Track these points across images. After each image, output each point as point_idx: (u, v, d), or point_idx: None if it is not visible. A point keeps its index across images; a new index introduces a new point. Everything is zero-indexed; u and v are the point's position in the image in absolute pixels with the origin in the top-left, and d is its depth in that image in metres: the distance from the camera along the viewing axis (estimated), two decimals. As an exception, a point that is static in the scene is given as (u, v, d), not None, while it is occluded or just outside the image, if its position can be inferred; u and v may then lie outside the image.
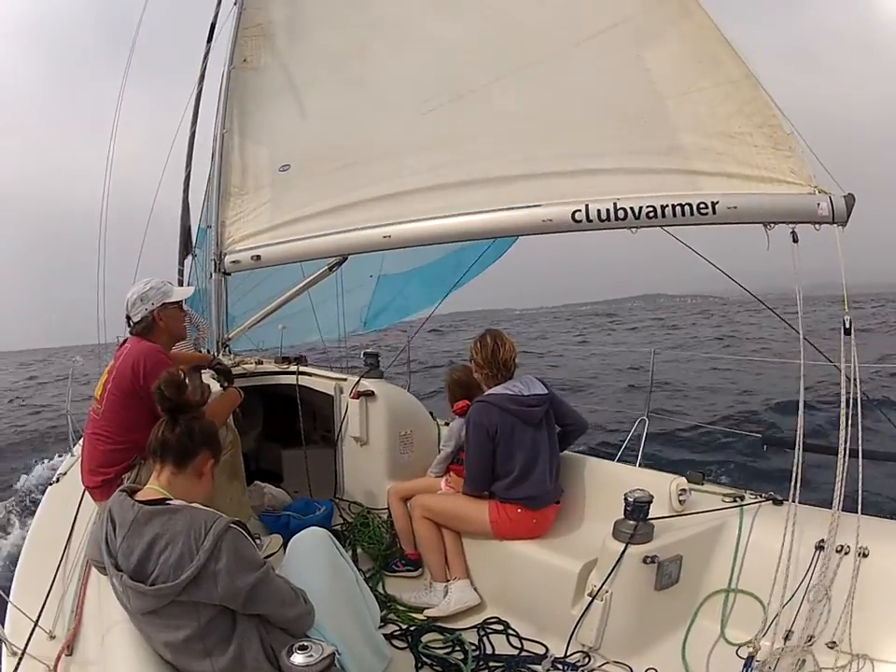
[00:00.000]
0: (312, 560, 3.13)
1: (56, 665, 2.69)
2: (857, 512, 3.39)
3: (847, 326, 3.43)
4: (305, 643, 2.26)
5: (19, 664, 2.68)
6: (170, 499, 2.57)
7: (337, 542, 3.35)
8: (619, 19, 4.41)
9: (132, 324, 4.17)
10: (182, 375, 2.82)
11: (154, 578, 2.34)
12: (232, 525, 2.45)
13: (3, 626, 2.93)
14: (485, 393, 4.41)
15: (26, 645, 2.75)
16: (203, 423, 2.82)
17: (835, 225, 3.62)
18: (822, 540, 3.36)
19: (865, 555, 3.29)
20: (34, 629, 2.86)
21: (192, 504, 2.58)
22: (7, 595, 3.24)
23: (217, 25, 8.04)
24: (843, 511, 3.38)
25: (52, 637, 2.91)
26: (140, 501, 2.52)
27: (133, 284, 4.28)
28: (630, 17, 4.39)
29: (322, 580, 3.02)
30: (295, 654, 2.22)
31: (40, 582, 3.26)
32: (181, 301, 4.37)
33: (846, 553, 3.32)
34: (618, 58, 4.43)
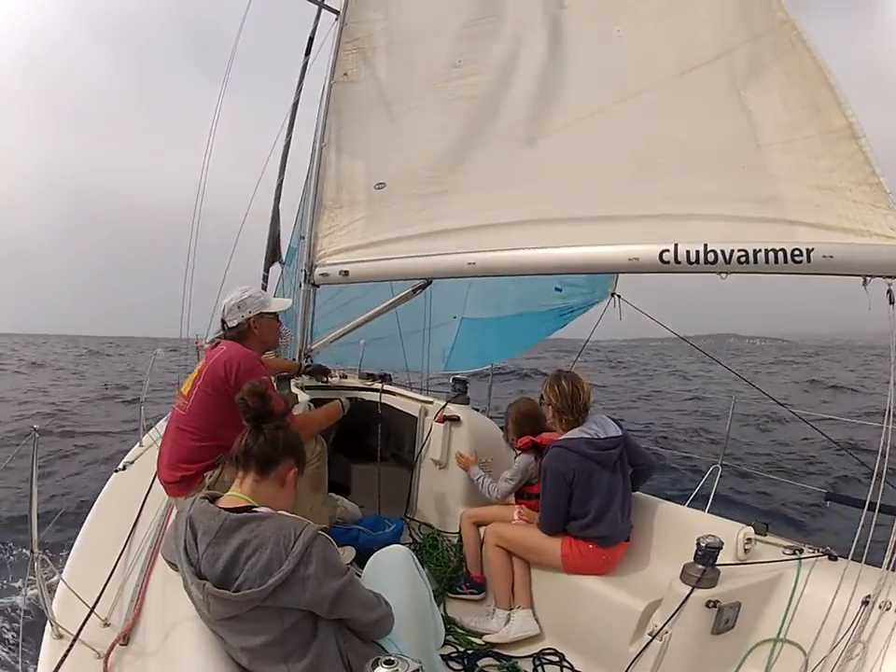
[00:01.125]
0: (393, 575, 3.19)
1: (108, 654, 2.72)
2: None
3: None
4: (391, 657, 2.22)
5: (70, 648, 2.69)
6: (255, 507, 2.61)
7: (417, 561, 3.39)
8: (716, 52, 4.28)
9: (226, 328, 4.29)
10: (265, 386, 2.86)
11: (240, 583, 2.37)
12: (321, 532, 2.49)
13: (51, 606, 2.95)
14: (562, 437, 4.41)
15: (79, 631, 2.78)
16: (288, 432, 2.86)
17: None
18: (868, 596, 3.34)
19: None
20: (89, 614, 2.89)
21: (279, 511, 2.62)
22: (61, 574, 3.28)
23: (314, 39, 8.22)
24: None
25: (107, 625, 2.95)
26: (226, 509, 2.55)
27: (222, 291, 4.38)
28: (728, 50, 4.24)
29: (401, 595, 3.05)
30: (380, 667, 2.20)
31: (98, 568, 3.29)
32: (277, 312, 4.48)
33: (888, 609, 3.29)
34: (718, 97, 4.28)
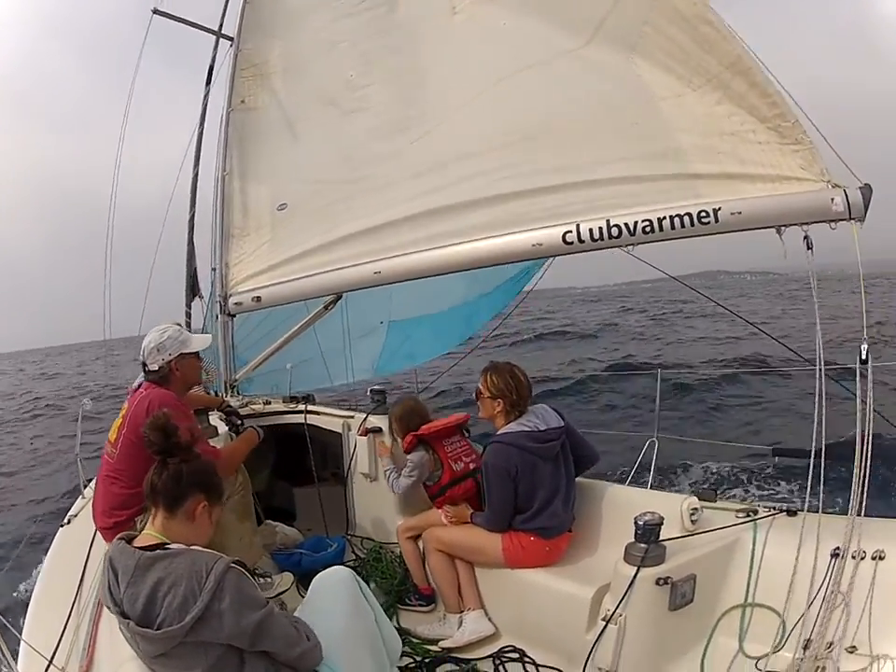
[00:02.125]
0: (333, 599, 3.15)
1: None
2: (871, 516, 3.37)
3: (864, 357, 3.34)
4: None
5: None
6: (168, 544, 2.58)
7: (361, 581, 3.34)
8: (598, 20, 4.28)
9: (147, 371, 4.20)
10: (165, 419, 2.78)
11: (160, 621, 2.36)
12: (233, 565, 2.48)
13: (16, 663, 2.93)
14: (500, 432, 4.30)
15: None
16: (194, 465, 2.78)
17: (852, 221, 3.44)
18: (838, 548, 3.31)
19: (882, 558, 3.24)
20: (48, 667, 2.90)
21: (192, 547, 2.59)
22: (20, 634, 3.28)
23: (213, 68, 8.14)
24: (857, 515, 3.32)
25: None
26: (140, 547, 2.54)
27: (146, 332, 4.31)
28: (605, 18, 4.26)
29: (341, 619, 3.04)
30: None
31: (53, 621, 3.29)
32: (198, 350, 4.41)
33: (861, 559, 3.27)
34: (607, 65, 4.27)
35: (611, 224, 3.99)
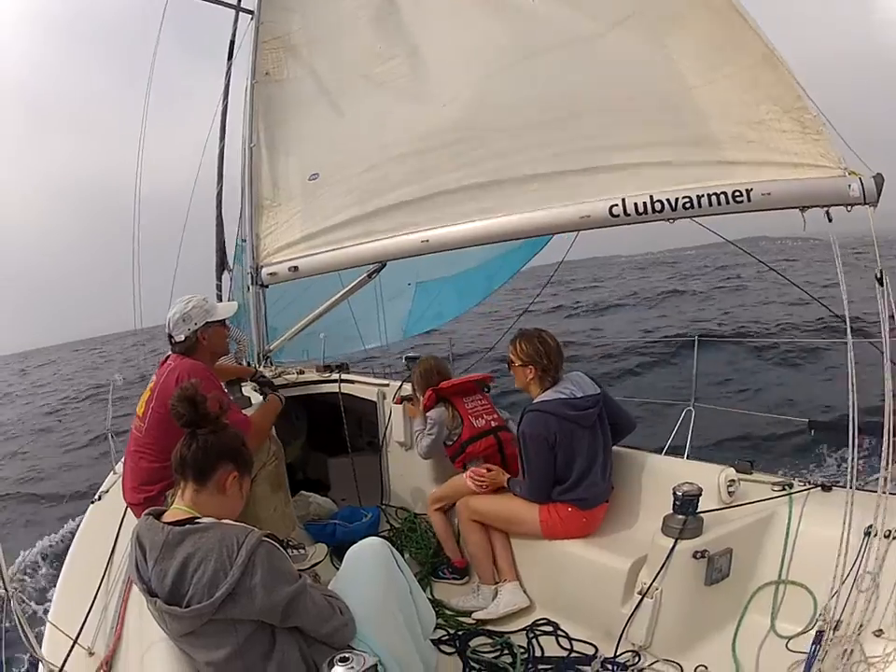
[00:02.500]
0: (367, 571, 3.07)
1: None
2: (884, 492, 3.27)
3: (879, 276, 3.36)
4: (347, 654, 2.20)
5: None
6: (198, 518, 2.54)
7: (395, 552, 3.27)
8: (635, 8, 4.37)
9: (173, 342, 4.18)
10: (194, 390, 2.71)
11: (189, 598, 2.31)
12: (265, 538, 2.42)
13: (40, 644, 2.90)
14: (537, 400, 4.26)
15: (64, 662, 2.73)
16: (223, 436, 2.73)
17: (867, 206, 3.59)
18: (870, 526, 3.25)
19: None
20: (73, 646, 2.84)
21: (223, 521, 2.55)
22: (46, 613, 3.25)
23: (235, 42, 8.11)
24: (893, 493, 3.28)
25: (91, 654, 2.89)
26: (169, 523, 2.49)
27: (171, 302, 4.28)
28: (645, 5, 4.36)
29: (376, 591, 2.97)
30: (336, 666, 2.17)
31: (81, 600, 3.25)
32: (224, 318, 4.37)
33: (894, 538, 3.23)
34: (641, 49, 4.37)
35: (654, 199, 4.09)
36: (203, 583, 2.28)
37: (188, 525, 2.45)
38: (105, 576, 3.49)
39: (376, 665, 2.19)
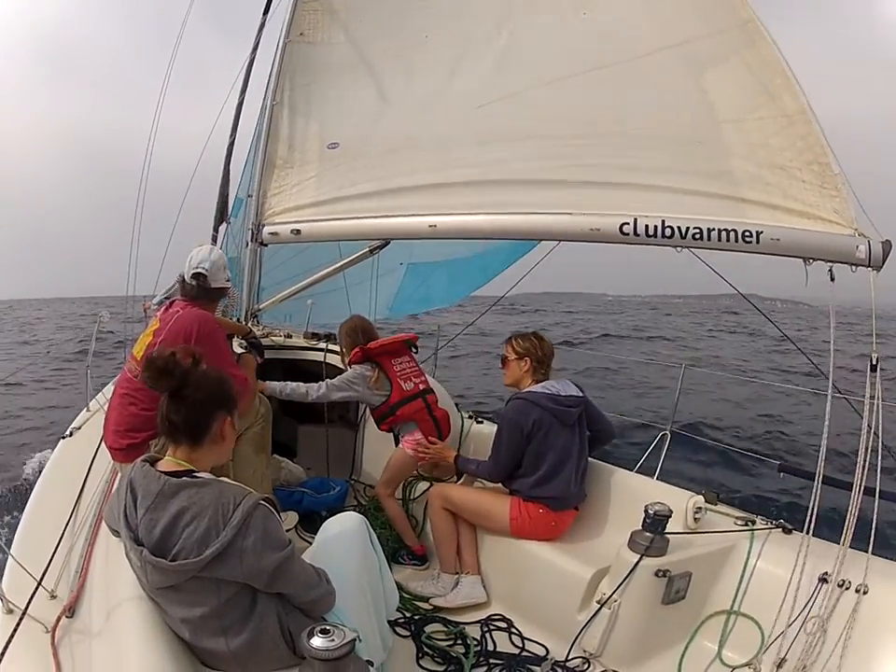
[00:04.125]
0: (346, 545, 3.08)
1: (55, 627, 2.65)
2: (867, 550, 3.43)
3: (874, 363, 3.48)
4: (327, 626, 2.14)
5: (18, 625, 2.62)
6: (195, 472, 2.49)
7: (370, 529, 3.28)
8: (683, 39, 4.42)
9: (200, 285, 4.11)
10: (163, 356, 2.53)
11: (176, 552, 2.26)
12: (262, 502, 2.38)
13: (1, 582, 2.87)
14: (524, 390, 4.40)
15: (27, 605, 2.71)
16: (207, 387, 2.59)
17: (870, 269, 3.66)
18: (826, 573, 3.39)
19: (865, 593, 3.30)
20: (36, 588, 2.82)
21: (221, 478, 2.50)
22: (9, 549, 3.20)
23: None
24: (851, 547, 3.41)
25: (54, 597, 2.87)
26: (165, 472, 2.43)
27: (195, 247, 4.22)
28: (693, 39, 4.40)
29: (352, 566, 2.99)
30: (315, 637, 2.10)
31: (45, 538, 3.22)
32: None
33: (846, 588, 3.34)
34: (679, 77, 4.44)
35: (666, 224, 4.10)
36: (194, 539, 2.25)
37: (185, 478, 2.41)
38: (73, 517, 3.45)
39: (355, 640, 2.13)
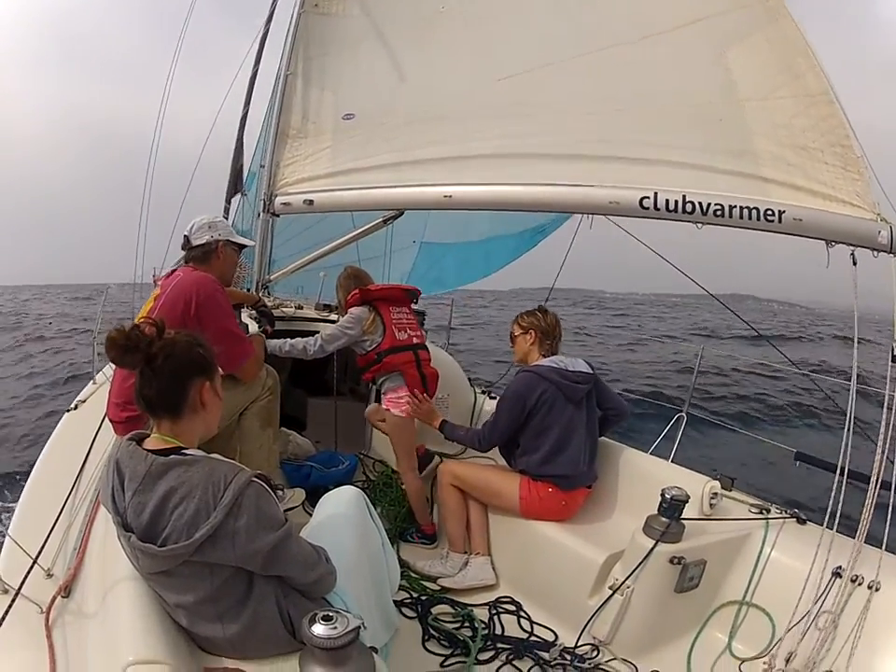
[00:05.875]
0: (343, 520, 3.00)
1: (49, 608, 2.59)
2: (880, 546, 3.38)
3: (895, 353, 3.43)
4: (330, 613, 2.03)
5: (11, 604, 2.54)
6: (184, 448, 2.36)
7: (370, 503, 3.23)
8: (704, 14, 4.38)
9: (190, 247, 4.06)
10: (121, 331, 2.35)
11: (166, 536, 2.15)
12: (255, 478, 2.25)
13: None
14: (533, 364, 4.36)
15: (21, 584, 2.63)
16: (177, 355, 2.40)
17: (891, 255, 3.64)
18: (840, 567, 3.33)
19: (877, 589, 3.25)
20: (32, 566, 2.74)
21: (212, 455, 2.36)
22: (7, 527, 3.17)
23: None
24: (865, 542, 3.37)
25: (50, 576, 2.80)
26: (152, 451, 2.29)
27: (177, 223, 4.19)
28: (716, 14, 4.36)
29: (350, 542, 2.91)
30: (317, 624, 1.98)
31: (45, 515, 3.13)
32: (242, 246, 4.28)
33: (859, 584, 3.29)
34: (701, 53, 4.41)
35: (686, 199, 4.04)
36: (183, 522, 2.12)
37: (173, 456, 2.27)
38: (73, 493, 3.37)
39: (359, 627, 2.04)
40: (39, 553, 2.82)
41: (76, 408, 4.78)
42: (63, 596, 2.64)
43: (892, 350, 3.42)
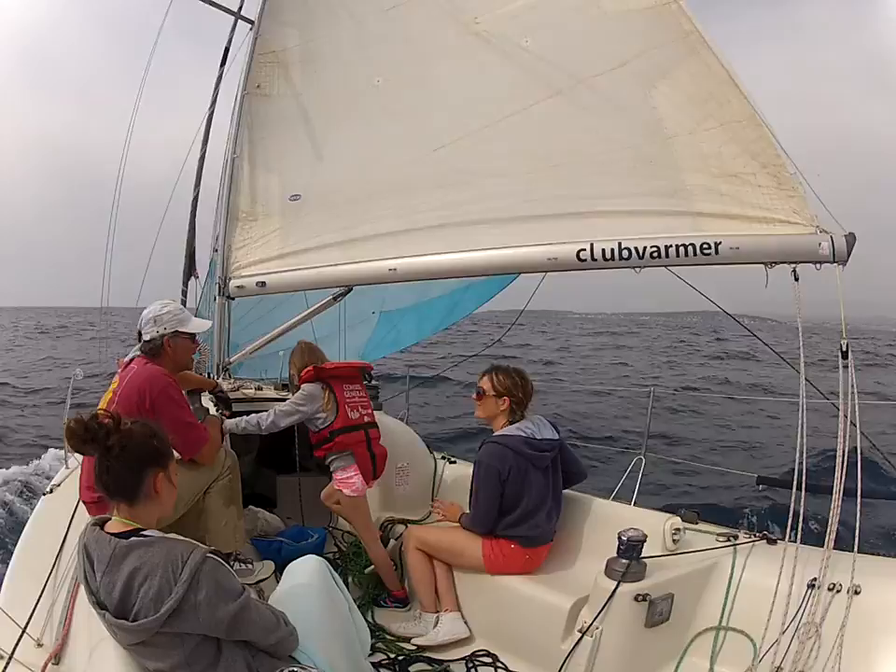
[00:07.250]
0: (306, 586, 3.09)
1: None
2: (852, 550, 3.42)
3: (844, 349, 3.52)
4: (295, 668, 2.19)
5: (6, 668, 2.65)
6: (143, 530, 2.48)
7: (332, 570, 3.32)
8: (627, 57, 4.47)
9: (140, 340, 4.14)
10: (80, 422, 2.48)
11: (136, 612, 2.29)
12: (210, 554, 2.40)
13: None
14: (498, 433, 4.37)
15: (13, 650, 2.74)
16: (133, 445, 2.50)
17: (836, 264, 3.69)
18: (814, 579, 3.38)
19: (858, 593, 3.29)
20: (22, 635, 2.84)
21: (168, 535, 2.51)
22: None
23: (230, 50, 8.15)
24: (836, 549, 3.41)
25: (40, 645, 2.90)
26: (114, 534, 2.44)
27: (145, 304, 4.26)
28: (636, 56, 4.45)
29: (315, 606, 3.00)
30: None
31: (29, 590, 3.24)
32: (194, 333, 4.32)
33: (837, 591, 3.33)
34: (628, 97, 4.49)
35: (622, 246, 4.16)
36: (150, 598, 2.27)
37: (132, 539, 2.42)
38: (54, 571, 3.46)
39: None
40: (27, 622, 2.93)
41: (51, 491, 4.84)
42: (53, 664, 2.76)
43: (840, 347, 3.50)
